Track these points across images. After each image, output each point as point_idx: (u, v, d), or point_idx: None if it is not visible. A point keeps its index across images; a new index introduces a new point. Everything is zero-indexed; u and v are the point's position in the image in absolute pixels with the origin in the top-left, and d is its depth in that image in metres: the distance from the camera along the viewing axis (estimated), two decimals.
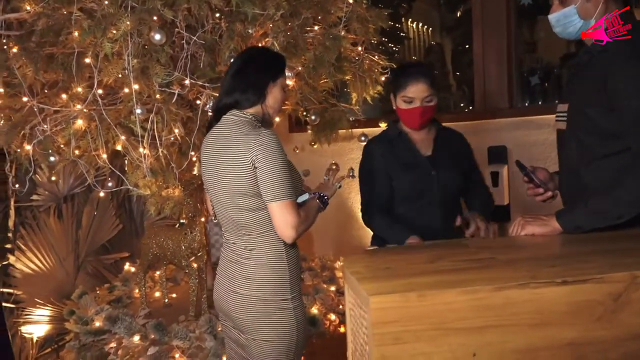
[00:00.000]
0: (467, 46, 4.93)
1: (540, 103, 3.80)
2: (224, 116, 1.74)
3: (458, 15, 5.59)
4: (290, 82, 2.78)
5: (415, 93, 1.98)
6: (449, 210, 1.98)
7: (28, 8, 2.46)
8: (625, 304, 0.98)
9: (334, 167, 2.01)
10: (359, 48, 3.18)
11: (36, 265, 3.60)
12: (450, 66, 5.10)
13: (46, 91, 2.52)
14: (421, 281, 1.01)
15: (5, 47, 2.43)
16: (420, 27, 6.55)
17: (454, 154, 2.12)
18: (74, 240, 3.80)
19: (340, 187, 1.96)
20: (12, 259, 3.47)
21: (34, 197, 3.58)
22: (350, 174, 3.34)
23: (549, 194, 1.70)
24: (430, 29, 6.64)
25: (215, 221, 2.59)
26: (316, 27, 3.00)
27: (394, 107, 2.10)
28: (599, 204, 1.33)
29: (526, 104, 3.77)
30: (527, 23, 4.18)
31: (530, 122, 3.46)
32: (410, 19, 6.26)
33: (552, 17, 1.56)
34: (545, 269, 1.04)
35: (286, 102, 2.91)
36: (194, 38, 2.32)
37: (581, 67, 1.58)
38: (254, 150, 1.60)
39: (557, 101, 3.79)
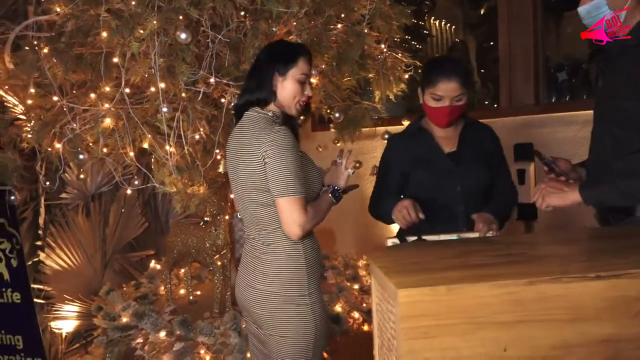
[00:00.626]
0: (491, 43, 4.87)
1: (567, 99, 3.72)
2: (246, 113, 1.75)
3: (482, 12, 5.52)
4: (313, 80, 2.80)
5: (445, 92, 1.90)
6: (474, 206, 1.94)
7: (58, 10, 2.52)
8: None
9: (346, 153, 1.89)
10: (382, 46, 3.16)
11: (65, 262, 3.68)
12: (475, 63, 5.04)
13: (75, 91, 2.57)
14: (450, 275, 1.00)
15: (36, 48, 2.49)
16: (443, 24, 6.49)
17: (479, 149, 2.05)
18: (101, 238, 3.87)
19: (353, 172, 1.85)
20: (42, 255, 3.56)
21: (63, 195, 3.66)
22: (375, 172, 3.35)
23: (570, 182, 1.67)
24: (454, 26, 6.58)
25: (239, 217, 2.61)
26: (339, 25, 3.01)
27: (421, 102, 2.04)
28: (631, 187, 1.32)
29: (553, 100, 3.70)
30: (554, 18, 4.10)
31: (557, 118, 3.40)
32: (433, 17, 6.21)
33: (582, 9, 1.56)
34: (577, 264, 1.02)
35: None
36: (219, 36, 2.34)
37: (612, 61, 1.56)
38: (265, 145, 1.61)
39: (585, 97, 3.76)
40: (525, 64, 3.47)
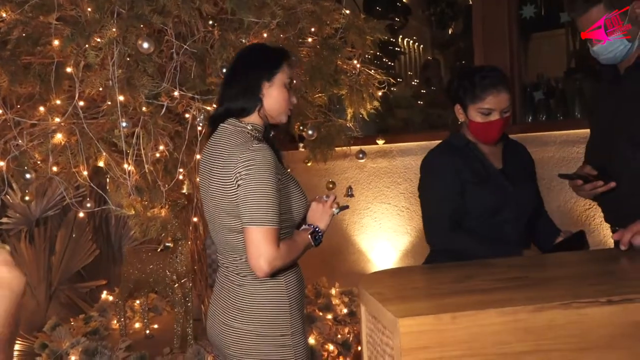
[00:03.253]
0: (463, 62, 5.00)
1: (544, 118, 3.82)
2: (221, 125, 1.60)
3: (449, 32, 5.68)
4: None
5: (496, 104, 1.80)
6: (523, 229, 1.87)
7: (4, 15, 2.41)
8: None
9: (333, 193, 1.79)
10: (355, 61, 3.18)
11: None
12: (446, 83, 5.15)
13: (21, 104, 2.45)
14: (453, 301, 0.96)
15: None
16: (413, 43, 6.64)
17: (523, 168, 2.00)
18: (46, 267, 3.67)
19: (338, 213, 1.70)
20: None
21: (4, 219, 3.47)
22: (349, 193, 3.32)
23: (612, 184, 1.70)
24: (422, 46, 6.74)
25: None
26: (310, 39, 3.00)
27: (462, 119, 1.91)
28: None
29: (529, 120, 3.79)
30: (529, 37, 4.24)
31: (534, 138, 3.46)
32: (403, 35, 6.35)
33: (600, 47, 1.65)
34: (586, 288, 1.00)
35: None
36: (185, 47, 2.29)
37: (625, 79, 1.65)
38: (240, 165, 1.48)
39: (561, 117, 3.87)
40: None
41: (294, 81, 1.68)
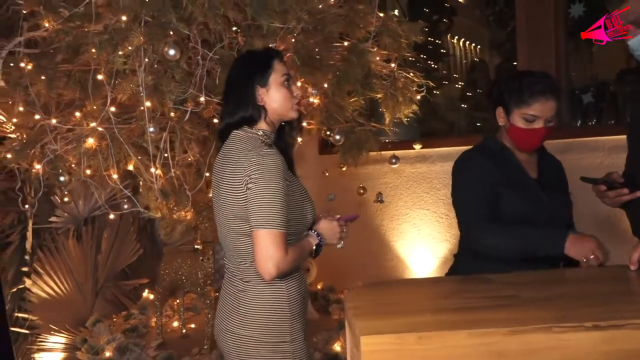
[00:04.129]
0: (514, 63, 4.82)
1: (593, 123, 3.61)
2: (234, 131, 1.62)
3: (508, 30, 5.49)
4: (315, 100, 2.75)
5: (542, 112, 1.73)
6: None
7: (47, 25, 2.54)
8: None
9: (352, 218, 1.75)
10: (392, 64, 3.12)
11: (53, 289, 3.65)
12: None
13: (60, 110, 2.57)
14: (425, 320, 0.91)
15: (21, 65, 2.50)
16: (465, 43, 6.47)
17: (559, 181, 1.92)
18: (92, 265, 3.83)
19: (341, 247, 1.70)
20: (28, 282, 3.53)
21: (52, 218, 3.65)
22: (379, 199, 3.27)
23: (639, 193, 1.59)
24: (479, 46, 6.55)
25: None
26: (346, 43, 2.98)
27: (502, 123, 1.84)
28: None
29: (578, 124, 3.60)
30: (579, 37, 4.02)
31: (582, 144, 3.28)
32: (456, 36, 6.19)
33: (633, 42, 1.55)
34: (576, 311, 0.93)
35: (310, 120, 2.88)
36: (210, 54, 2.32)
37: None
38: (250, 169, 1.50)
39: (613, 121, 3.65)
40: None
41: (291, 75, 1.66)
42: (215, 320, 1.70)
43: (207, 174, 2.52)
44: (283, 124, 1.70)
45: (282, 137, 1.71)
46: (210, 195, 2.64)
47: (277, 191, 1.48)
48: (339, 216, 1.71)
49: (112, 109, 2.35)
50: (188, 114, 2.27)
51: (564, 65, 3.45)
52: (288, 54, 2.57)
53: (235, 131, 1.62)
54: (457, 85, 5.34)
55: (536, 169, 1.90)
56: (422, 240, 3.93)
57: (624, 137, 3.05)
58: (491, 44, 6.17)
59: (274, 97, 1.60)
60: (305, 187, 1.68)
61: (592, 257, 1.51)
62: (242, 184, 1.51)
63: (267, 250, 1.46)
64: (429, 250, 3.91)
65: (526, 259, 1.67)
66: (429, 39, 4.90)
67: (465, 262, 1.90)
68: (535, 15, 3.47)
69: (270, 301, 1.56)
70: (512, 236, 1.72)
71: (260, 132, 1.61)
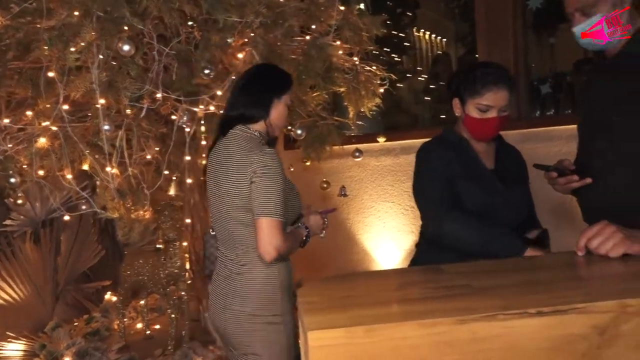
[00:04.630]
0: (477, 55, 4.89)
1: (551, 113, 3.70)
2: (231, 131, 1.83)
3: (472, 23, 5.57)
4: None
5: (495, 101, 1.78)
6: (515, 231, 1.79)
7: None
8: (613, 338, 0.88)
9: (329, 211, 2.05)
10: (354, 58, 3.13)
11: (10, 295, 3.55)
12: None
13: (11, 109, 2.49)
14: (375, 313, 0.92)
15: None
16: (430, 36, 6.53)
17: (516, 171, 1.94)
18: (52, 268, 3.74)
19: (323, 236, 1.99)
20: None
21: (7, 222, 3.55)
22: (342, 193, 3.28)
23: (588, 180, 1.63)
24: (445, 39, 6.63)
25: (213, 233, 2.62)
26: (307, 37, 2.97)
27: (459, 114, 1.88)
28: None
29: (537, 114, 3.68)
30: (537, 30, 4.11)
31: (540, 133, 3.36)
32: (422, 29, 6.25)
33: (576, 29, 1.58)
34: (522, 298, 0.95)
35: None
36: (166, 49, 2.29)
37: (609, 71, 1.58)
38: (254, 165, 1.71)
39: (570, 111, 3.74)
40: None
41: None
42: (210, 301, 1.91)
43: (167, 172, 2.48)
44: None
45: (272, 140, 1.95)
46: (170, 193, 2.62)
47: (277, 185, 1.71)
48: (320, 210, 1.99)
49: (65, 107, 2.29)
50: (144, 110, 2.23)
51: (523, 57, 3.52)
52: (247, 49, 2.55)
53: (232, 130, 1.82)
54: (420, 78, 5.40)
55: (493, 160, 1.93)
56: (387, 232, 3.97)
57: None
58: (456, 36, 6.26)
59: (279, 112, 1.86)
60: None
61: None
62: (246, 179, 1.72)
63: (270, 235, 1.68)
64: (394, 242, 3.95)
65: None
66: (393, 32, 4.94)
67: (426, 252, 1.93)
68: (494, 8, 3.53)
69: (265, 282, 1.78)
70: (475, 228, 1.74)
71: (257, 133, 1.83)
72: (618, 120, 1.53)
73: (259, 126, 1.84)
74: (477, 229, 1.74)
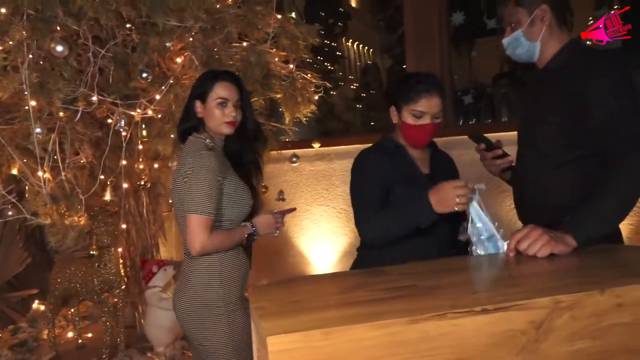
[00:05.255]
0: (404, 66, 5.03)
1: (473, 122, 3.87)
2: (189, 136, 1.86)
3: (397, 35, 5.73)
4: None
5: (428, 108, 1.80)
6: (447, 236, 1.81)
7: None
8: (548, 332, 0.92)
9: (288, 211, 2.03)
10: (290, 66, 3.12)
11: None
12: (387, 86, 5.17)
13: None
14: (330, 316, 0.91)
15: None
16: (360, 47, 6.65)
17: (450, 176, 1.88)
18: None
19: (277, 235, 1.97)
20: None
21: None
22: (281, 197, 3.27)
23: (509, 158, 1.77)
24: (371, 49, 6.76)
25: None
26: (245, 44, 2.93)
27: (395, 121, 1.91)
28: (607, 211, 1.36)
29: (460, 123, 3.84)
30: (462, 43, 4.29)
31: (465, 141, 3.49)
32: (350, 40, 6.35)
33: (504, 40, 1.70)
34: (467, 297, 0.98)
35: None
36: (102, 51, 2.18)
37: (539, 83, 1.69)
38: (186, 167, 1.76)
39: (490, 120, 3.94)
40: None
41: (231, 98, 1.83)
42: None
43: (102, 177, 2.36)
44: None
45: (237, 143, 1.91)
46: (106, 198, 2.50)
47: (205, 183, 1.74)
48: (276, 210, 1.99)
49: None
50: (79, 114, 2.11)
51: (448, 69, 3.66)
52: (185, 54, 2.48)
53: (190, 136, 1.86)
54: (352, 87, 5.49)
55: (428, 165, 1.98)
56: (322, 235, 3.99)
57: (502, 134, 3.32)
58: (382, 47, 6.41)
59: (208, 113, 1.83)
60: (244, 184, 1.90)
61: (461, 201, 1.59)
62: (182, 178, 1.78)
63: (193, 231, 1.72)
64: (329, 245, 3.98)
65: (420, 249, 1.74)
66: (325, 41, 4.98)
67: (367, 254, 1.95)
68: (422, 22, 3.65)
69: (204, 272, 1.79)
70: (385, 217, 1.78)
71: (206, 139, 1.84)
72: (542, 129, 1.62)
73: (205, 132, 1.86)
74: (388, 217, 1.78)
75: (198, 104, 1.83)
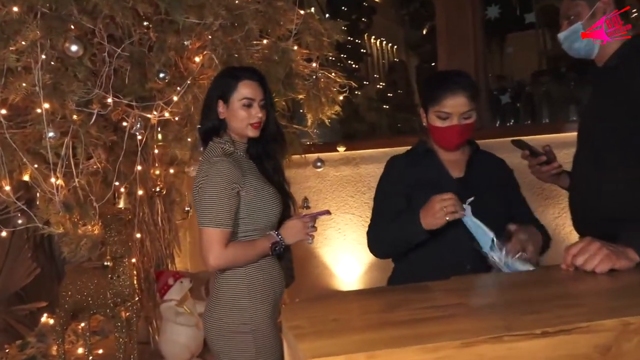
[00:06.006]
0: (432, 64, 4.99)
1: (511, 123, 3.82)
2: (209, 142, 1.86)
3: (424, 32, 5.69)
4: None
5: (453, 108, 1.78)
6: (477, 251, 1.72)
7: None
8: (615, 357, 0.89)
9: (321, 214, 1.94)
10: (314, 64, 3.11)
11: None
12: (415, 85, 5.13)
13: None
14: (373, 337, 0.90)
15: None
16: (383, 44, 6.63)
17: (490, 180, 1.89)
18: None
19: (310, 243, 1.89)
20: None
21: None
22: (305, 205, 3.25)
23: (556, 164, 1.76)
24: (395, 46, 6.73)
25: None
26: (265, 41, 2.94)
27: (424, 124, 1.91)
28: None
29: (497, 125, 3.78)
30: (496, 39, 4.25)
31: (501, 144, 3.45)
32: (373, 36, 6.33)
33: (561, 35, 1.69)
34: (524, 317, 0.94)
35: None
36: (118, 50, 2.20)
37: (597, 82, 1.68)
38: (200, 176, 1.75)
39: (529, 121, 3.88)
40: None
41: (256, 97, 1.82)
42: None
43: (117, 183, 2.38)
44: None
45: (259, 146, 1.88)
46: (120, 206, 2.51)
47: (218, 193, 1.71)
48: (304, 214, 1.94)
49: (3, 111, 2.16)
50: (94, 117, 2.13)
51: (482, 66, 3.62)
52: (205, 52, 2.49)
53: (210, 142, 1.84)
54: (377, 86, 5.47)
55: (463, 168, 1.92)
56: (347, 245, 3.97)
57: (542, 136, 3.27)
58: (407, 44, 6.37)
59: (231, 114, 1.80)
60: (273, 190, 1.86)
61: (448, 211, 1.63)
62: (196, 190, 1.78)
63: (206, 245, 1.70)
64: (354, 256, 3.95)
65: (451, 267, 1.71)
66: (349, 38, 4.98)
67: (401, 269, 1.93)
68: (455, 17, 3.62)
69: (231, 286, 1.77)
70: (386, 228, 1.82)
71: (224, 141, 1.82)
72: (598, 131, 1.60)
73: (227, 135, 1.84)
74: (388, 231, 1.81)
75: (220, 104, 1.81)
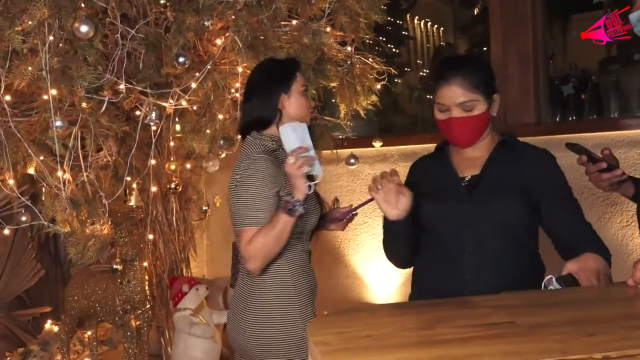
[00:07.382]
0: (484, 48, 4.93)
1: (574, 118, 3.75)
2: (247, 136, 1.99)
3: (475, 11, 5.62)
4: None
5: (448, 99, 1.75)
6: (492, 250, 1.72)
7: None
8: None
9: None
10: (348, 48, 3.11)
11: None
12: None
13: None
14: (411, 357, 0.90)
15: None
16: (428, 25, 6.58)
17: (510, 178, 1.80)
18: None
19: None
20: None
21: None
22: (335, 206, 3.26)
23: (619, 171, 1.73)
24: (442, 28, 6.67)
25: None
26: (294, 22, 2.96)
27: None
28: None
29: (557, 119, 3.72)
30: (559, 21, 4.17)
31: (562, 140, 3.39)
32: (417, 17, 6.29)
33: (632, 15, 1.68)
34: (580, 339, 0.93)
35: None
36: (132, 32, 2.25)
37: None
38: (237, 173, 1.87)
39: (595, 115, 3.80)
40: (522, 74, 3.47)
41: (307, 86, 2.05)
42: (228, 316, 2.04)
43: (128, 178, 2.43)
44: None
45: None
46: (131, 203, 2.57)
47: (257, 192, 1.81)
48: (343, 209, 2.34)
49: (7, 97, 2.23)
50: (105, 104, 2.18)
51: (542, 52, 3.56)
52: (227, 34, 2.52)
53: (248, 136, 1.98)
54: (420, 74, 5.43)
55: (480, 166, 1.84)
56: (382, 252, 3.95)
57: (608, 133, 3.20)
58: (455, 25, 6.31)
59: (293, 105, 1.96)
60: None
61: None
62: (233, 186, 1.88)
63: (244, 247, 1.80)
64: (390, 265, 3.93)
65: None
66: (389, 19, 4.95)
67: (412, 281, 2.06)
68: None
69: (277, 289, 1.90)
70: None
71: (267, 137, 1.95)
72: None
73: (272, 130, 1.96)
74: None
75: (284, 96, 1.96)
